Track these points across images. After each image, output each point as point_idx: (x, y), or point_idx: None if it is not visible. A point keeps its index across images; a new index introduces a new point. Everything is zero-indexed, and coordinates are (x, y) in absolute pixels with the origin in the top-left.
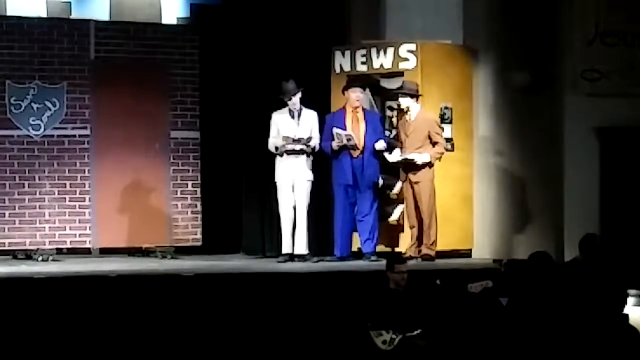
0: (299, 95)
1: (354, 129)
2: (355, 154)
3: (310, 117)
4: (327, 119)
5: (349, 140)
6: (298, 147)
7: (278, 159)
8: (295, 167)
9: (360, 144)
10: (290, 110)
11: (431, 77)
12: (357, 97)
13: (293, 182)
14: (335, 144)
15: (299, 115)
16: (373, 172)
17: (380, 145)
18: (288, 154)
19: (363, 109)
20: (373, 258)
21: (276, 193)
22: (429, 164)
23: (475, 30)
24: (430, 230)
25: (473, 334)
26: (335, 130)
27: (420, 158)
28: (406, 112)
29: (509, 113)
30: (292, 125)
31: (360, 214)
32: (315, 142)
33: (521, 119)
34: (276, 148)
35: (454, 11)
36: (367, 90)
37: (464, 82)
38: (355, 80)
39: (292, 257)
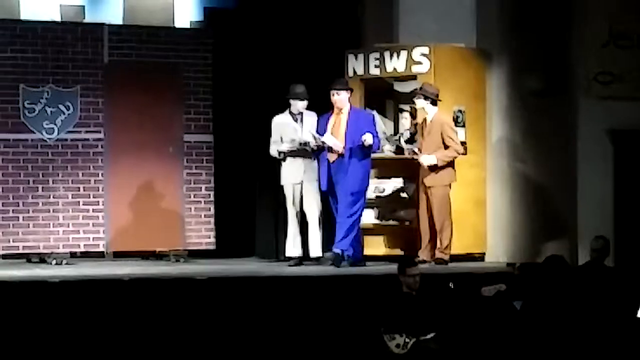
0: (304, 102)
1: (334, 131)
2: (332, 158)
3: (311, 120)
4: (318, 121)
5: (323, 143)
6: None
7: (284, 162)
8: (302, 170)
9: (340, 147)
10: (291, 113)
11: (444, 80)
12: (334, 99)
13: (301, 184)
14: (312, 144)
15: (301, 118)
16: (354, 178)
17: (367, 139)
18: (294, 157)
19: (353, 110)
20: (329, 256)
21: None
22: (444, 167)
23: (488, 33)
24: (443, 234)
25: (486, 337)
26: (311, 132)
27: (426, 160)
28: (416, 115)
29: (523, 116)
30: (294, 128)
31: (338, 216)
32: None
33: (535, 121)
34: (279, 153)
35: (467, 14)
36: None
37: (478, 85)
38: (338, 81)
39: (301, 260)
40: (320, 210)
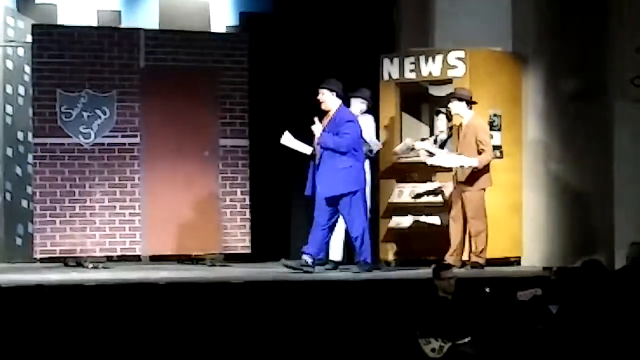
0: (355, 103)
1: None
2: (317, 161)
3: (366, 122)
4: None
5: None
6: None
7: None
8: None
9: (307, 151)
10: None
11: (480, 84)
12: (320, 98)
13: None
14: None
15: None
16: (324, 182)
17: (315, 128)
18: None
19: (338, 111)
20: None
21: None
22: (480, 171)
23: (524, 36)
24: (478, 238)
25: (522, 342)
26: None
27: (467, 162)
28: (452, 118)
29: (559, 119)
30: None
31: (347, 225)
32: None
33: (571, 125)
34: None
35: (502, 18)
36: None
37: (513, 89)
38: (325, 81)
39: (337, 264)
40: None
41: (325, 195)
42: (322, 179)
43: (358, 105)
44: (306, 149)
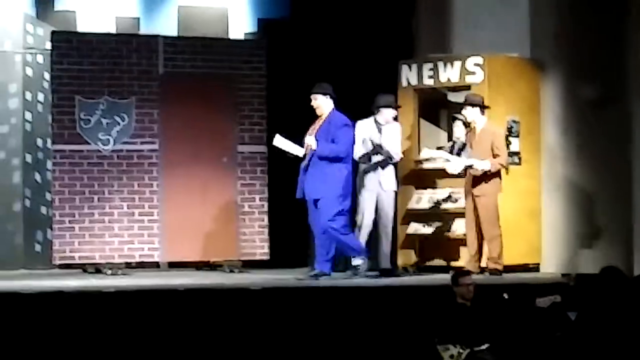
0: (386, 112)
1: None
2: (304, 164)
3: (394, 130)
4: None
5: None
6: (379, 157)
7: (362, 167)
8: (380, 177)
9: (298, 153)
10: (376, 122)
11: (498, 91)
12: (312, 104)
13: (378, 192)
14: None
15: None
16: (311, 185)
17: (308, 140)
18: (377, 166)
19: (330, 115)
20: (321, 277)
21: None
22: (492, 176)
23: (542, 43)
24: (492, 244)
25: (541, 349)
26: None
27: (480, 165)
28: (469, 124)
29: (578, 126)
30: (374, 135)
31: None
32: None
33: (589, 131)
34: (364, 155)
35: (521, 24)
36: None
37: (532, 95)
38: (316, 85)
39: (357, 269)
40: (391, 221)
41: (313, 197)
42: (311, 181)
43: (391, 112)
44: (298, 151)
